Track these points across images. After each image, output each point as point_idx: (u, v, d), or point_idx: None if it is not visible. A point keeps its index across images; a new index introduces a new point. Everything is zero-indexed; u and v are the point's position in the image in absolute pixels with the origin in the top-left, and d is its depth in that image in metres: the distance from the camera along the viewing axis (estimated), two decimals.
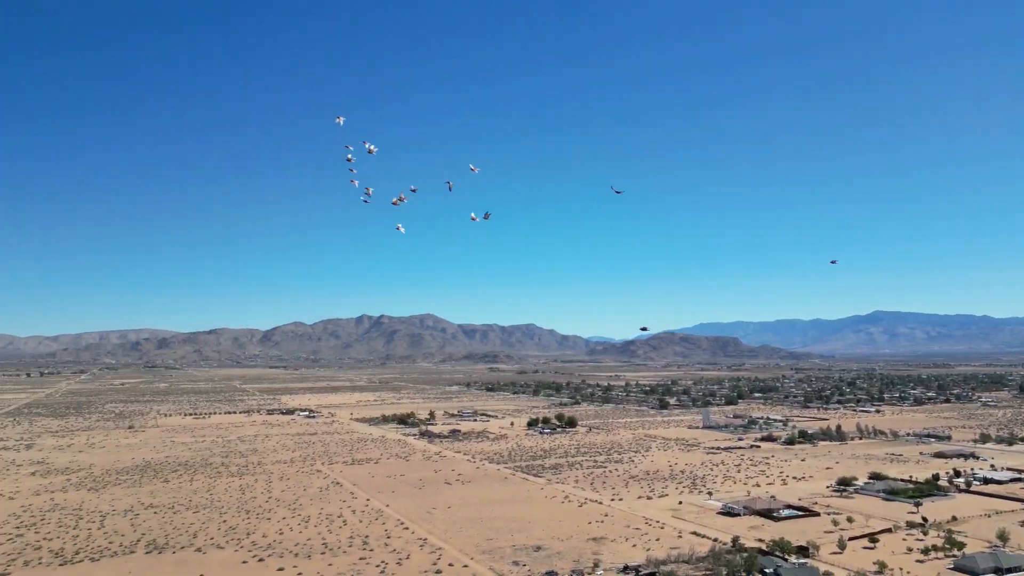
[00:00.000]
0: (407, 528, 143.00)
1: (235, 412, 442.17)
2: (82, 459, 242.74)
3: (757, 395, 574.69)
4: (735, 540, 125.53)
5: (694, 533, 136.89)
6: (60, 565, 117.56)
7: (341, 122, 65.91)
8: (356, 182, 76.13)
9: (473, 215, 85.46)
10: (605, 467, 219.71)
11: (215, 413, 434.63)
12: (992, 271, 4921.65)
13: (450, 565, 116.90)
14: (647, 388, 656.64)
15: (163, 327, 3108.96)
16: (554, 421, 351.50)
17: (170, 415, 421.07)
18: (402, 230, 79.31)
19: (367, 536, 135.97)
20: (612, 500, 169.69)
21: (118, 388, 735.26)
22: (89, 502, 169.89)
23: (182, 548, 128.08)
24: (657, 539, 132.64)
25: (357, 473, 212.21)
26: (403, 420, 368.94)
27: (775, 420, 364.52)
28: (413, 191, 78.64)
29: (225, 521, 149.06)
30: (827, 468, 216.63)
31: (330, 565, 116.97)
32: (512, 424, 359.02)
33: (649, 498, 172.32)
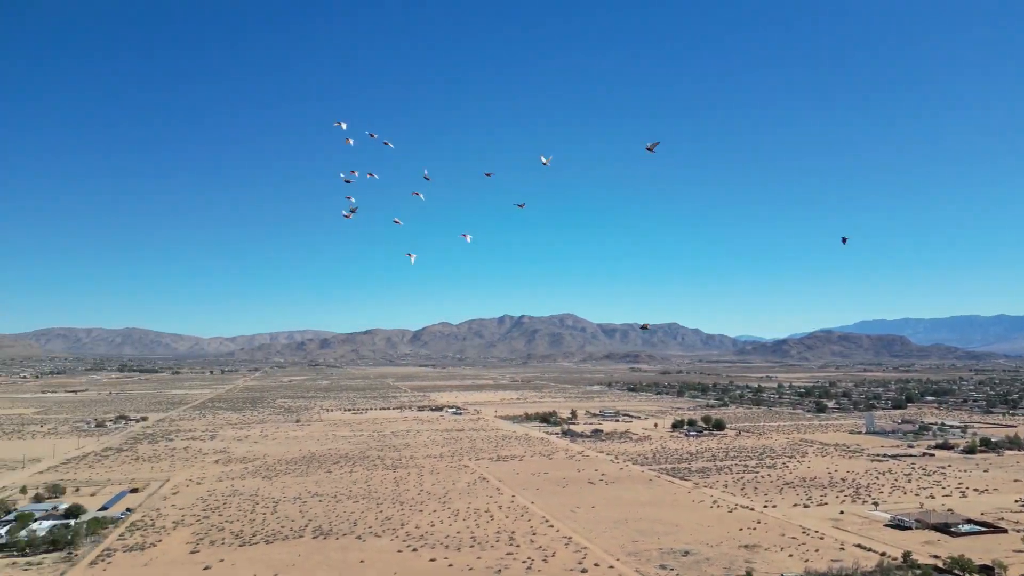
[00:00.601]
0: (551, 526, 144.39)
1: (389, 408, 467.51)
2: (257, 449, 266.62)
3: (929, 398, 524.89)
4: (906, 555, 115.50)
5: (858, 546, 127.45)
6: (240, 546, 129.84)
7: (343, 127, 64.65)
8: (352, 203, 74.87)
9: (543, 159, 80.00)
10: (756, 472, 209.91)
11: (371, 409, 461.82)
12: None
13: (595, 565, 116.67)
14: (802, 390, 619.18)
15: (325, 328, 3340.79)
16: (700, 423, 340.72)
17: (332, 410, 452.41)
18: (400, 223, 76.60)
19: (513, 532, 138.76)
20: (765, 507, 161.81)
21: (286, 385, 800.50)
22: (263, 489, 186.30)
23: (344, 535, 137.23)
24: (816, 550, 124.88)
25: (502, 470, 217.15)
26: (545, 419, 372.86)
27: (951, 426, 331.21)
28: (427, 179, 77.19)
29: (381, 511, 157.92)
30: (1015, 480, 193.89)
31: (478, 558, 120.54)
32: (656, 425, 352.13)
33: (806, 506, 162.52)
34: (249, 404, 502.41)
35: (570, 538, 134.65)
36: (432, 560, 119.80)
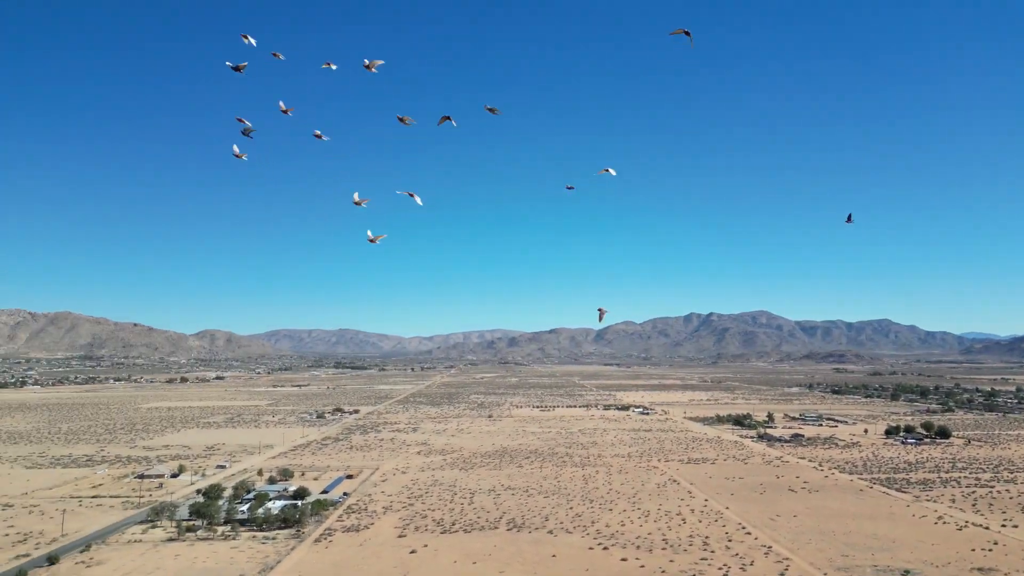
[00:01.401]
0: (749, 533, 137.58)
1: (575, 406, 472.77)
2: (454, 442, 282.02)
3: None
4: None
5: None
6: (441, 533, 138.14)
7: (333, 67, 58.36)
8: (246, 125, 67.54)
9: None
10: (991, 487, 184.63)
11: (558, 406, 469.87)
12: None
13: None
14: None
15: (512, 327, 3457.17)
16: (920, 430, 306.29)
17: (521, 407, 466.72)
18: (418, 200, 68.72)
19: (707, 537, 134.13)
20: (1003, 526, 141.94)
21: (478, 381, 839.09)
22: (461, 480, 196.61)
23: (536, 529, 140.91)
24: None
25: (693, 472, 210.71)
26: (739, 421, 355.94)
27: None
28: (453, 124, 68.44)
29: (572, 508, 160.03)
30: None
31: (671, 561, 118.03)
32: (865, 431, 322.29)
33: None
34: (446, 399, 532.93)
35: (770, 547, 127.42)
36: (623, 560, 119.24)
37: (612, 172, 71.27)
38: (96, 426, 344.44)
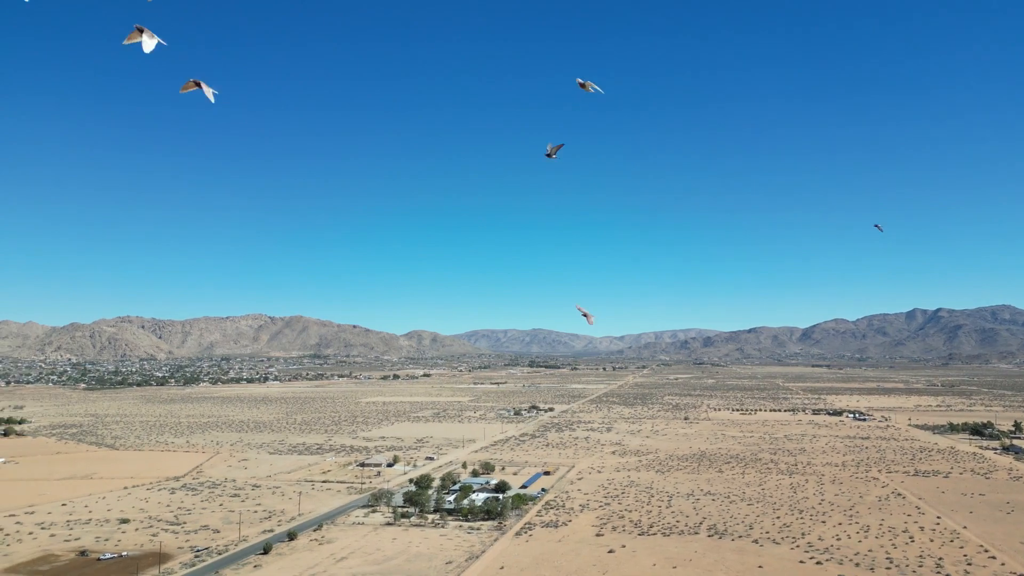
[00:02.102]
0: (993, 558, 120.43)
1: (779, 410, 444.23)
2: (649, 444, 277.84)
3: None
4: None
5: None
6: (639, 535, 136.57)
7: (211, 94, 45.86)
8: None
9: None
10: None
11: (760, 410, 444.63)
12: None
13: None
14: None
15: (708, 327, 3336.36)
16: None
17: (719, 409, 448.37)
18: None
19: (941, 559, 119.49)
20: None
21: (672, 382, 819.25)
22: (657, 483, 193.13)
23: (740, 537, 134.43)
24: None
25: (922, 486, 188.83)
26: (977, 430, 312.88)
27: None
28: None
29: (779, 518, 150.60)
30: None
31: None
32: None
33: None
34: (639, 400, 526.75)
35: (1020, 574, 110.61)
36: None
37: (593, 87, 62.30)
38: (324, 418, 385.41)
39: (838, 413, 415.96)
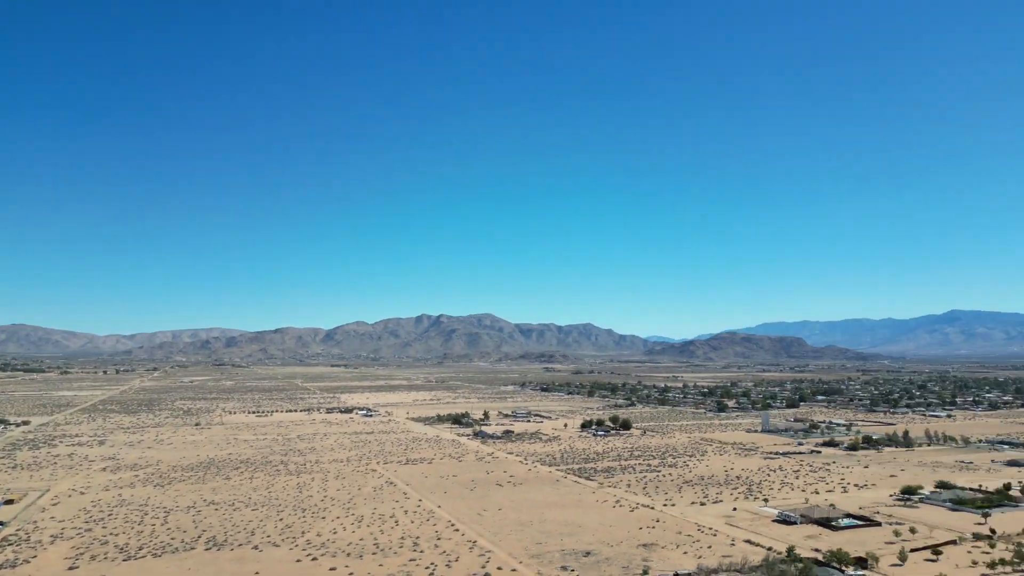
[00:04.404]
0: (457, 530, 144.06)
1: (296, 410, 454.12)
2: (150, 455, 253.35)
3: (820, 398, 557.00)
4: (790, 550, 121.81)
5: (747, 541, 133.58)
6: (124, 560, 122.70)
7: None
8: None
9: None
10: (659, 471, 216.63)
11: (277, 411, 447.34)
12: None
13: (499, 569, 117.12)
14: (705, 390, 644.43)
15: (232, 326, 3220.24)
16: (608, 423, 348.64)
17: (234, 412, 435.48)
18: None
19: (418, 537, 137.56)
20: (664, 505, 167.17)
21: (187, 385, 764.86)
22: (154, 498, 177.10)
23: (240, 545, 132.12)
24: (709, 547, 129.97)
25: (411, 473, 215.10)
26: (457, 420, 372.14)
27: (838, 424, 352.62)
28: None
29: (282, 519, 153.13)
30: (891, 476, 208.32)
31: (380, 566, 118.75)
32: (566, 425, 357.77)
33: (703, 504, 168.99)
34: (144, 406, 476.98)
35: (475, 542, 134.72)
36: (332, 569, 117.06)
37: None
38: None
39: (349, 411, 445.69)
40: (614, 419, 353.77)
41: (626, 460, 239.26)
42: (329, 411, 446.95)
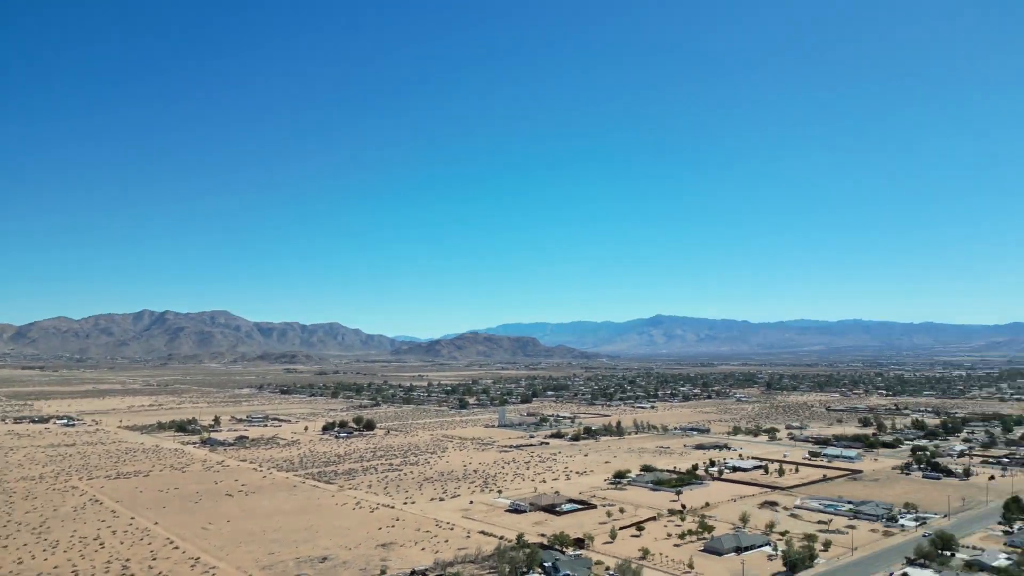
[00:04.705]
0: (177, 547, 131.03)
1: None
2: None
3: (550, 393, 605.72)
4: (519, 537, 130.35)
5: (482, 532, 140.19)
6: None
7: None
8: None
9: None
10: (400, 470, 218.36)
11: None
12: (751, 281, 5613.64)
13: None
14: (448, 388, 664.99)
15: None
16: (351, 424, 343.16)
17: None
18: None
19: (128, 560, 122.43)
20: (404, 504, 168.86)
21: None
22: None
23: None
24: (446, 541, 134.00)
25: (121, 488, 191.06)
26: (182, 427, 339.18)
27: (564, 417, 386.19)
28: None
29: None
30: (606, 462, 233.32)
31: None
32: (306, 428, 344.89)
33: (442, 499, 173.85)
34: None
35: (198, 559, 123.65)
36: None
37: None
38: None
39: (45, 420, 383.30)
40: (358, 420, 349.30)
41: (368, 461, 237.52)
42: (18, 421, 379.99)
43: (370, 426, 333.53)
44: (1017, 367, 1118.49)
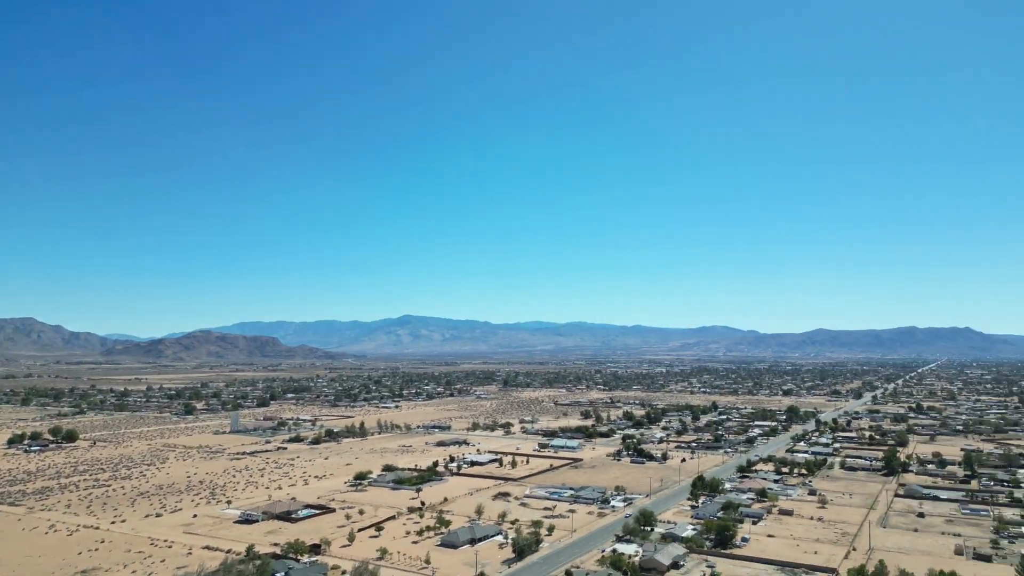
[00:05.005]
0: None
1: None
2: None
3: (290, 395, 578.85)
4: (250, 548, 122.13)
5: (206, 547, 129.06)
6: None
7: None
8: None
9: None
10: (108, 486, 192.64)
11: None
12: (493, 283, 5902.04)
13: None
14: (172, 392, 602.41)
15: None
16: (47, 436, 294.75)
17: None
18: None
19: None
20: (112, 523, 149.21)
21: None
22: None
23: None
24: (163, 560, 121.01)
25: None
26: None
27: (304, 420, 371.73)
28: None
29: None
30: (347, 464, 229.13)
31: None
32: None
33: (159, 515, 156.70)
34: None
35: None
36: None
37: None
38: None
39: None
40: (55, 431, 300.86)
41: (68, 477, 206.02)
42: None
43: (71, 437, 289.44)
44: (704, 364, 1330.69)
